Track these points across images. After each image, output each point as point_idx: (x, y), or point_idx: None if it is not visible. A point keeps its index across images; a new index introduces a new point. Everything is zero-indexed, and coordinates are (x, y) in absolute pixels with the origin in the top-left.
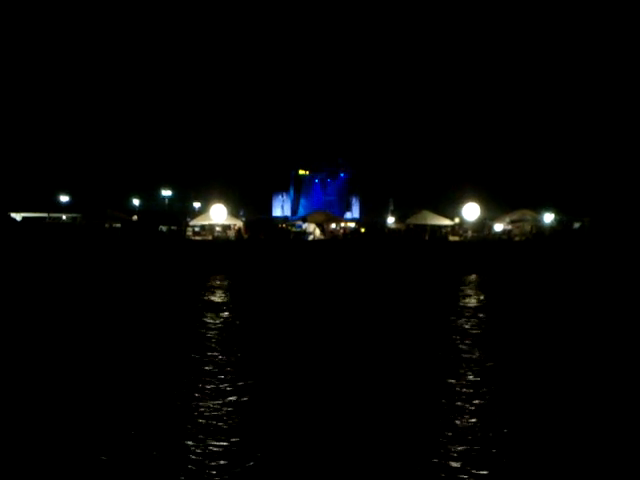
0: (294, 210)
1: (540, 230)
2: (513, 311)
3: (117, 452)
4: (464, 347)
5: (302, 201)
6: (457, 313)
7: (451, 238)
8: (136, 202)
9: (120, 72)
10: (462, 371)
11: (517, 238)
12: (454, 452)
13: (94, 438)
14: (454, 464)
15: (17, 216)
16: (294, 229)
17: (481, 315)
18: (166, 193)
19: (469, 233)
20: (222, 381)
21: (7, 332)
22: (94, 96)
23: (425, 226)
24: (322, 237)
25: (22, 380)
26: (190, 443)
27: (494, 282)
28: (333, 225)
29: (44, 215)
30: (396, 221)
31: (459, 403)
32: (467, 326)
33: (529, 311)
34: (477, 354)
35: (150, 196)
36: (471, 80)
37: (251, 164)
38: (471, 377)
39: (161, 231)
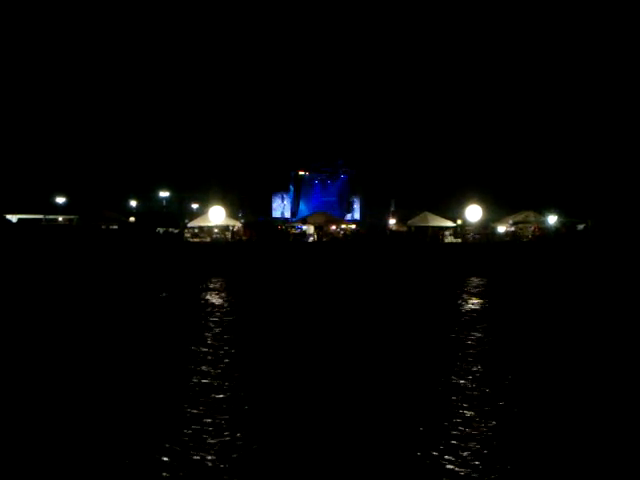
0: (294, 211)
1: (544, 232)
2: (516, 314)
3: (115, 452)
4: (467, 348)
5: (302, 202)
6: (459, 316)
7: (452, 240)
8: (133, 203)
9: (118, 73)
10: (464, 371)
11: (520, 240)
12: (454, 451)
13: (93, 436)
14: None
15: (13, 218)
16: (294, 231)
17: (483, 319)
18: (164, 194)
19: (471, 235)
20: (220, 381)
21: (5, 334)
22: (91, 96)
23: (427, 228)
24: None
25: (21, 382)
26: (189, 441)
27: (497, 285)
28: (333, 227)
29: (40, 217)
30: (397, 223)
31: (459, 404)
32: (470, 330)
33: (533, 314)
34: (480, 355)
35: (147, 197)
36: (473, 81)
37: (250, 165)
38: (472, 377)
39: (158, 233)
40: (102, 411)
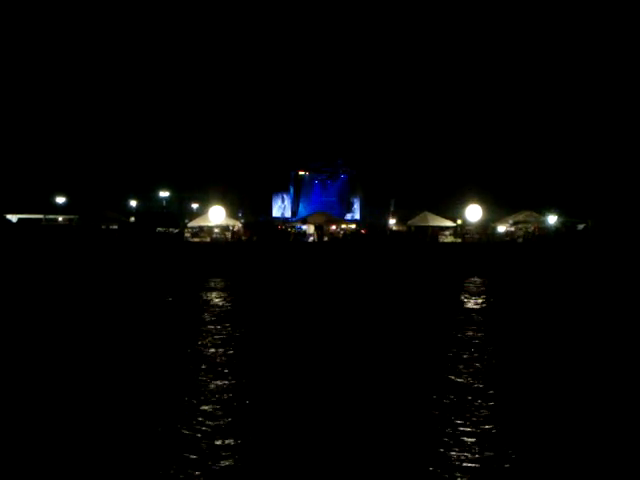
0: (294, 211)
1: (544, 232)
2: (516, 314)
3: (116, 453)
4: (466, 347)
5: (302, 202)
6: (458, 316)
7: (452, 240)
8: (133, 203)
9: (118, 72)
10: (463, 372)
11: (520, 240)
12: (454, 451)
13: (93, 436)
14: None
15: (13, 217)
16: (294, 230)
17: (484, 319)
18: (164, 194)
19: (471, 235)
20: (220, 383)
21: (5, 334)
22: (91, 96)
23: (427, 228)
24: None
25: (21, 384)
26: (190, 442)
27: (496, 285)
28: (333, 227)
29: (40, 217)
30: (397, 223)
31: (459, 403)
32: (471, 331)
33: (532, 313)
34: (479, 355)
35: (147, 197)
36: (473, 81)
37: (250, 165)
38: (470, 376)
39: (158, 233)
40: (103, 413)
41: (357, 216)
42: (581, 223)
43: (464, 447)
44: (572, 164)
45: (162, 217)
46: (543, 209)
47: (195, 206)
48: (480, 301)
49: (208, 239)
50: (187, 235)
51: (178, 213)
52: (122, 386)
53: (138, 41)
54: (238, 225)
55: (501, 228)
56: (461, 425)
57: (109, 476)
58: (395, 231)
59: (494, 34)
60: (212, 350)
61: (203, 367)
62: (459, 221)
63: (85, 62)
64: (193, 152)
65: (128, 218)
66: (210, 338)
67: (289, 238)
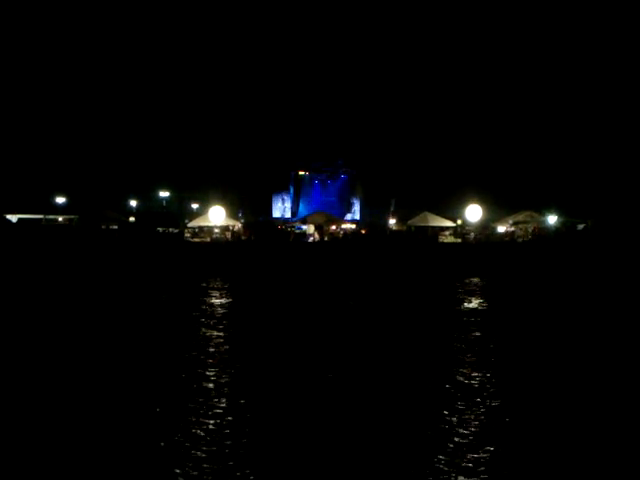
0: (294, 211)
1: (544, 232)
2: (516, 314)
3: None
4: (466, 347)
5: (302, 202)
6: (457, 316)
7: (452, 240)
8: (133, 203)
9: (118, 72)
10: (464, 372)
11: (520, 240)
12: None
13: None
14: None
15: (13, 218)
16: (294, 230)
17: (483, 319)
18: (164, 194)
19: (472, 235)
20: (218, 383)
21: (5, 334)
22: (91, 96)
23: (426, 228)
24: (318, 239)
25: (18, 388)
26: (189, 444)
27: (496, 285)
28: (333, 227)
29: (40, 217)
30: (397, 223)
31: (460, 404)
32: (470, 331)
33: (532, 314)
34: (479, 355)
35: (147, 197)
36: (473, 80)
37: (250, 165)
38: (470, 377)
39: (158, 233)
40: (99, 414)
41: (357, 216)
42: (581, 223)
43: (465, 446)
44: (572, 164)
45: (162, 217)
46: (543, 209)
47: (195, 206)
48: (480, 301)
49: (208, 239)
50: (187, 235)
51: (178, 213)
52: (118, 388)
53: (138, 41)
54: (238, 225)
55: (501, 228)
56: (462, 424)
57: (109, 476)
58: (395, 231)
59: (493, 34)
60: (210, 350)
61: (201, 368)
62: (459, 221)
63: (85, 62)
64: (193, 152)
65: (128, 218)
66: (208, 338)
67: (289, 238)
